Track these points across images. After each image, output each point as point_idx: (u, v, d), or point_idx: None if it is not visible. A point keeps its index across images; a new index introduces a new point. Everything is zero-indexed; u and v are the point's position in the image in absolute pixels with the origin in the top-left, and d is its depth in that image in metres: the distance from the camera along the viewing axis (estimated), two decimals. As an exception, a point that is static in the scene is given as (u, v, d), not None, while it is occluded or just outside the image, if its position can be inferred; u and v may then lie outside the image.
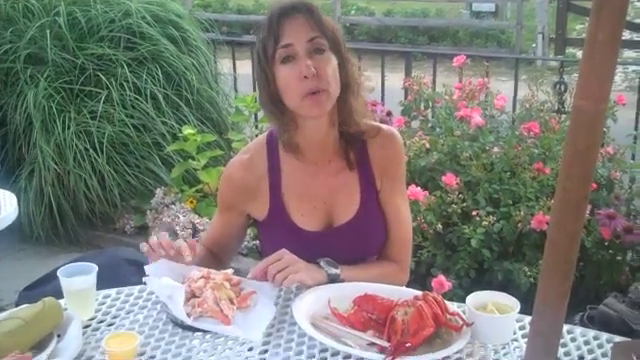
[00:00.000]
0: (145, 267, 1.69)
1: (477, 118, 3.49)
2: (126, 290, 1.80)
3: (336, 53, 1.74)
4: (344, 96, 1.77)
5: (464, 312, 1.57)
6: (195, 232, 3.84)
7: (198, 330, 1.59)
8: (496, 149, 3.47)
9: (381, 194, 1.87)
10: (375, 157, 1.86)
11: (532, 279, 3.02)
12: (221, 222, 1.96)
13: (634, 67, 8.94)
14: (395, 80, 4.53)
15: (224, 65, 5.21)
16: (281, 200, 1.84)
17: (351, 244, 1.84)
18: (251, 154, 1.89)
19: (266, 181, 1.85)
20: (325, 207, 1.84)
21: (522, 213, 3.14)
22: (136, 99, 4.34)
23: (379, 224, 1.88)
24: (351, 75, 1.77)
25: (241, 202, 1.89)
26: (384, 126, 1.90)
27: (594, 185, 3.17)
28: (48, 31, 4.39)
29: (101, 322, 1.66)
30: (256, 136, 4.13)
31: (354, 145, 1.85)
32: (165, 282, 1.62)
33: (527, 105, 3.75)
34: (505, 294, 1.59)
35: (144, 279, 1.68)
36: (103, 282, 1.73)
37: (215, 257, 1.94)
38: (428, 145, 3.50)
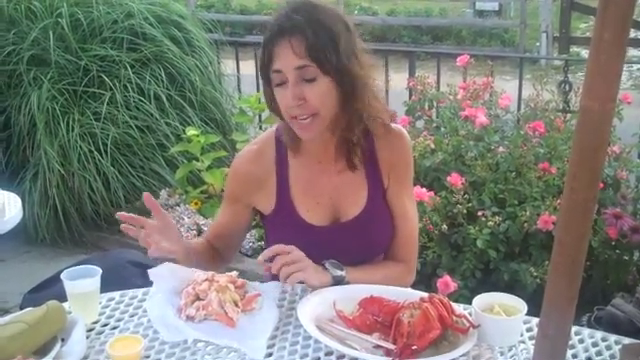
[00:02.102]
0: (149, 271, 1.68)
1: (482, 118, 3.48)
2: (130, 293, 1.79)
3: (330, 72, 1.68)
4: (345, 105, 1.74)
5: (470, 314, 1.56)
6: (200, 233, 3.83)
7: (201, 340, 1.57)
8: (501, 149, 3.45)
9: (388, 192, 1.87)
10: (383, 155, 1.85)
11: (538, 280, 3.01)
12: (227, 214, 1.95)
13: (639, 65, 8.91)
14: (399, 80, 4.52)
15: (227, 66, 5.21)
16: (288, 194, 1.84)
17: (358, 240, 1.83)
18: (259, 146, 1.89)
19: (273, 174, 1.85)
20: (331, 203, 1.84)
21: (528, 213, 3.13)
22: (140, 100, 4.34)
23: (386, 221, 1.87)
24: (355, 82, 1.72)
25: (247, 194, 1.88)
26: (393, 125, 1.89)
27: (600, 184, 3.15)
28: (51, 32, 4.39)
29: (105, 325, 1.65)
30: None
31: (358, 145, 1.83)
32: (156, 309, 1.61)
33: (532, 104, 3.73)
34: (512, 295, 1.58)
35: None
36: (107, 285, 1.73)
37: (217, 252, 1.94)
38: (433, 145, 3.49)
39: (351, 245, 1.82)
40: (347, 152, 1.83)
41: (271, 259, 1.70)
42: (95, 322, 1.66)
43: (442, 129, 3.73)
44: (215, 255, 1.92)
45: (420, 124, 3.91)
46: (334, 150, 1.83)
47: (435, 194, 3.23)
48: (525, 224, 3.13)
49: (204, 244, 1.94)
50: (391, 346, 1.47)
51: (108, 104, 4.27)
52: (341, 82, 1.71)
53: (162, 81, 4.43)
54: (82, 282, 1.65)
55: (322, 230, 1.83)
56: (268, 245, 1.95)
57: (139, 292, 1.78)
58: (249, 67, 5.10)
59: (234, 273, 1.72)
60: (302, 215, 1.83)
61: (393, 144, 1.86)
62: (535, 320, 1.57)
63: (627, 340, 1.54)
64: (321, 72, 1.68)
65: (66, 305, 1.62)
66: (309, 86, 1.68)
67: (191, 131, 4.12)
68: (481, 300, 1.56)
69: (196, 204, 4.07)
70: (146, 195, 1.78)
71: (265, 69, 1.72)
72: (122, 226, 1.74)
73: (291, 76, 1.67)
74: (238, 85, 5.20)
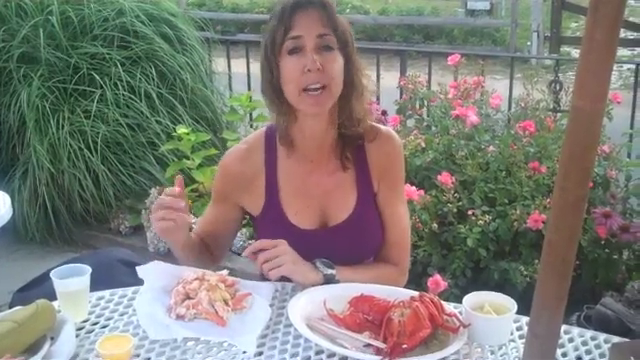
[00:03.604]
0: (137, 268, 1.67)
1: (472, 117, 3.48)
2: (120, 291, 1.79)
3: (343, 53, 1.73)
4: (346, 97, 1.76)
5: (461, 313, 1.56)
6: (190, 232, 3.82)
7: (191, 339, 1.57)
8: (492, 148, 3.46)
9: (378, 196, 1.86)
10: (373, 158, 1.85)
11: (528, 278, 3.02)
12: (215, 214, 1.94)
13: (629, 65, 8.94)
14: (390, 79, 4.52)
15: (218, 64, 5.20)
16: (277, 196, 1.83)
17: (346, 244, 1.83)
18: (249, 145, 1.88)
19: (262, 175, 1.84)
20: (320, 206, 1.83)
21: (518, 212, 3.14)
22: (130, 98, 4.32)
23: (375, 225, 1.86)
24: (356, 76, 1.76)
25: (235, 194, 1.87)
26: (383, 128, 1.90)
27: (590, 184, 3.17)
28: (41, 30, 4.37)
29: (95, 324, 1.65)
30: (251, 135, 4.13)
31: (352, 145, 1.84)
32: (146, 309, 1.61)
33: (522, 104, 3.75)
34: (502, 294, 1.59)
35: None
36: (97, 283, 1.72)
37: (207, 248, 1.92)
38: (423, 144, 3.49)
39: (339, 248, 1.81)
40: (340, 151, 1.83)
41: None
42: (85, 321, 1.65)
43: (433, 128, 3.74)
44: (204, 250, 1.89)
45: (411, 123, 3.91)
46: (328, 148, 1.83)
47: (425, 193, 3.23)
48: (515, 223, 3.14)
49: (194, 238, 1.91)
50: (381, 345, 1.46)
51: (98, 102, 4.25)
52: (349, 64, 1.74)
53: (153, 79, 4.41)
54: (72, 281, 1.64)
55: (310, 233, 1.82)
56: None
57: (129, 291, 1.78)
58: (240, 65, 5.10)
59: (224, 272, 1.71)
60: (290, 218, 1.82)
61: (383, 148, 1.86)
62: (525, 319, 1.57)
63: (616, 339, 1.55)
64: (338, 47, 1.72)
65: (55, 304, 1.62)
66: (327, 55, 1.70)
67: (182, 129, 4.10)
68: (471, 299, 1.56)
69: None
70: (179, 179, 1.77)
71: (277, 38, 1.70)
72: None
73: (311, 43, 1.69)
74: (229, 83, 5.20)
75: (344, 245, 1.82)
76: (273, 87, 1.75)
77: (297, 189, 1.83)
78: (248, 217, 1.95)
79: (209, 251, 1.92)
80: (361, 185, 1.84)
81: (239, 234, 3.72)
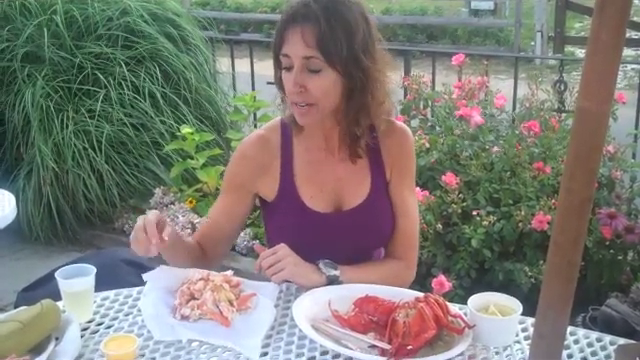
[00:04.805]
0: (144, 275, 1.67)
1: (477, 117, 3.48)
2: (125, 292, 1.79)
3: (337, 68, 1.68)
4: (352, 99, 1.74)
5: (466, 314, 1.56)
6: (194, 232, 3.82)
7: (195, 340, 1.57)
8: (496, 148, 3.46)
9: (390, 185, 1.88)
10: (386, 149, 1.86)
11: (533, 279, 3.02)
12: (225, 204, 1.91)
13: (633, 65, 8.92)
14: (394, 79, 4.51)
15: (222, 64, 5.20)
16: (292, 180, 1.84)
17: (360, 229, 1.84)
18: (266, 132, 1.89)
19: (278, 160, 1.85)
20: (335, 191, 1.85)
21: (523, 213, 3.13)
22: (134, 98, 4.33)
23: (387, 213, 1.88)
24: (365, 77, 1.72)
25: (252, 179, 1.87)
26: (398, 122, 1.92)
27: (595, 184, 3.16)
28: (45, 30, 4.38)
29: (100, 324, 1.65)
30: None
31: (363, 137, 1.82)
32: (150, 310, 1.61)
33: (527, 104, 3.74)
34: (507, 295, 1.59)
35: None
36: (101, 283, 1.72)
37: (204, 254, 1.89)
38: (428, 144, 3.48)
39: (352, 234, 1.83)
40: (350, 143, 1.83)
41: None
42: (89, 321, 1.65)
43: (437, 128, 3.73)
44: (201, 256, 1.87)
45: (415, 123, 3.90)
46: (338, 140, 1.84)
47: (430, 193, 3.23)
48: (520, 224, 3.13)
49: (192, 243, 1.90)
50: (386, 346, 1.46)
51: (102, 102, 4.26)
52: (349, 76, 1.70)
53: (157, 79, 4.42)
54: (76, 281, 1.64)
55: (324, 217, 1.83)
56: (268, 233, 1.95)
57: (134, 291, 1.78)
58: (244, 65, 5.10)
59: (229, 272, 1.71)
60: (305, 201, 1.83)
61: (396, 140, 1.88)
62: (530, 320, 1.57)
63: (622, 340, 1.54)
64: (328, 65, 1.68)
65: (60, 304, 1.61)
66: (313, 77, 1.68)
67: (186, 129, 4.11)
68: (476, 300, 1.56)
69: (191, 202, 4.07)
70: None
71: (275, 51, 1.73)
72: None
73: (297, 63, 1.68)
74: (233, 83, 5.20)
75: (358, 230, 1.84)
76: (280, 85, 1.78)
77: (311, 175, 1.85)
78: (252, 215, 1.94)
79: (203, 256, 1.87)
80: (375, 173, 1.86)
81: (243, 234, 3.72)
